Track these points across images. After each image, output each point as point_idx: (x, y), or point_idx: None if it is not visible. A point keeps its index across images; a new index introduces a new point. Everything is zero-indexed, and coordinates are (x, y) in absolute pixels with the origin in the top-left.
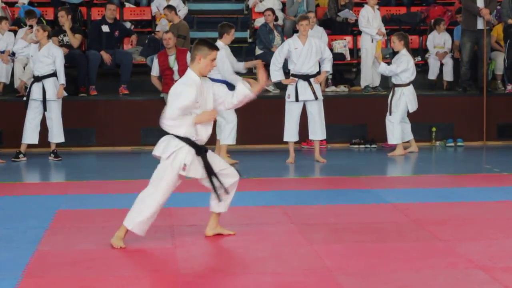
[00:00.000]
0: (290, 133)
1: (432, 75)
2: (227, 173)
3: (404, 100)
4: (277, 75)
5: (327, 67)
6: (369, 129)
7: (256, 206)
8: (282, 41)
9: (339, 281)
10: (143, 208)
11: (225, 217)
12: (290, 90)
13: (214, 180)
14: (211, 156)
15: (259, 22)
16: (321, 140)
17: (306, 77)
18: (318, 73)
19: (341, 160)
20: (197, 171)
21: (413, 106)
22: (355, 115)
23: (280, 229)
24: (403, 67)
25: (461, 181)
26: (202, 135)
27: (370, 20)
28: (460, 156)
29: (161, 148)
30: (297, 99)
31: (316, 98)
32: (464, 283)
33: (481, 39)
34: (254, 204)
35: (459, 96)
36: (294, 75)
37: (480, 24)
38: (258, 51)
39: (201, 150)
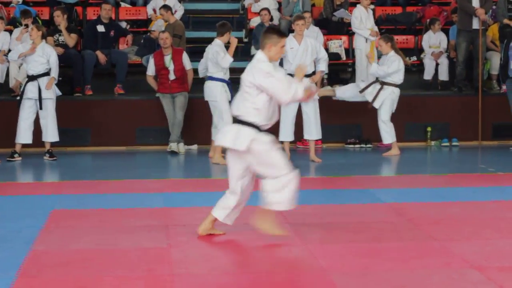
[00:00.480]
0: (286, 133)
1: (428, 75)
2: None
3: (392, 99)
4: None
5: (323, 67)
6: (364, 129)
7: (251, 206)
8: None
9: (334, 281)
10: (283, 189)
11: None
12: None
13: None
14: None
15: (254, 22)
16: (316, 140)
17: None
18: (314, 73)
19: (336, 160)
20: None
21: (394, 108)
22: (350, 115)
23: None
24: (395, 67)
25: (456, 181)
26: (273, 120)
27: (364, 20)
28: (455, 156)
29: (230, 138)
30: None
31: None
32: (459, 283)
33: (477, 39)
34: (249, 203)
35: (455, 96)
36: (290, 75)
37: (476, 24)
38: (254, 51)
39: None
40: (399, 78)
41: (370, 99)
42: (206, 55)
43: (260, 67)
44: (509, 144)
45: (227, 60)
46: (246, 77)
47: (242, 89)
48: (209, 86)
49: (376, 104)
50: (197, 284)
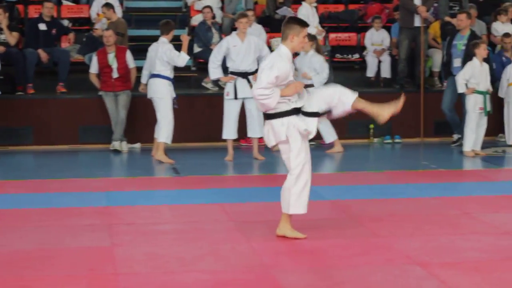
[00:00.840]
0: (229, 131)
1: (370, 72)
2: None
3: None
4: (215, 72)
5: None
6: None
7: (194, 204)
8: (220, 38)
9: (277, 278)
10: (293, 190)
11: (165, 215)
12: (229, 88)
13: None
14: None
15: (197, 19)
16: (260, 138)
17: (244, 75)
18: (257, 70)
19: (279, 157)
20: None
21: None
22: None
23: (218, 227)
24: (325, 67)
25: (399, 177)
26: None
27: (310, 18)
28: (397, 153)
29: (272, 137)
30: (235, 97)
31: None
32: (401, 279)
33: (419, 36)
34: (193, 202)
35: (397, 93)
36: (233, 73)
37: (417, 22)
38: (197, 49)
39: (298, 111)
40: (324, 77)
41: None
42: (152, 54)
43: (267, 60)
44: (451, 141)
45: (184, 58)
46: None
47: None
48: (156, 83)
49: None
50: (140, 283)
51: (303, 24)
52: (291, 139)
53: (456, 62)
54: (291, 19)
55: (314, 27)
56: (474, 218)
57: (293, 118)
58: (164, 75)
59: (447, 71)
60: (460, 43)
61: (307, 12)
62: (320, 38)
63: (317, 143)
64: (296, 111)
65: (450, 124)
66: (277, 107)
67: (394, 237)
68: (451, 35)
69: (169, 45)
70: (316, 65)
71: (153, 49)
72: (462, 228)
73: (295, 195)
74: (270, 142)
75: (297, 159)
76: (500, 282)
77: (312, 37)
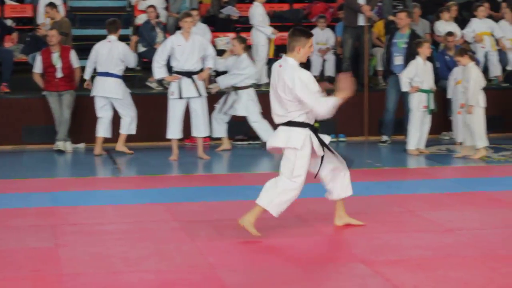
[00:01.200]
0: (174, 130)
1: (315, 71)
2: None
3: (252, 100)
4: (160, 72)
5: (211, 63)
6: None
7: (139, 204)
8: (165, 38)
9: (222, 277)
10: (282, 193)
11: (110, 215)
12: (174, 87)
13: (331, 153)
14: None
15: (141, 19)
16: (205, 137)
17: (189, 74)
18: (202, 70)
19: (224, 156)
20: (319, 149)
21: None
22: None
23: (163, 227)
24: (248, 67)
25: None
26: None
27: (265, 17)
28: (342, 151)
29: (283, 139)
30: (180, 96)
31: (200, 95)
32: (346, 277)
33: (363, 35)
34: (137, 202)
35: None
36: (178, 72)
37: (361, 21)
38: (141, 48)
39: (316, 130)
40: (251, 80)
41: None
42: (103, 52)
43: (299, 77)
44: (394, 140)
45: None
46: (282, 84)
47: (281, 98)
48: (111, 83)
49: (242, 113)
50: (85, 284)
51: (308, 35)
52: (303, 149)
53: (397, 60)
54: (295, 31)
55: (270, 28)
56: (418, 216)
57: (311, 132)
58: (118, 74)
59: (387, 69)
60: (400, 41)
61: (262, 11)
62: (273, 37)
63: (262, 142)
64: (313, 128)
65: (385, 123)
66: (301, 118)
67: (339, 235)
68: (391, 33)
69: (125, 45)
70: (241, 65)
71: (103, 47)
72: (406, 226)
73: (282, 198)
74: (277, 143)
75: (300, 169)
76: (444, 280)
77: (242, 40)
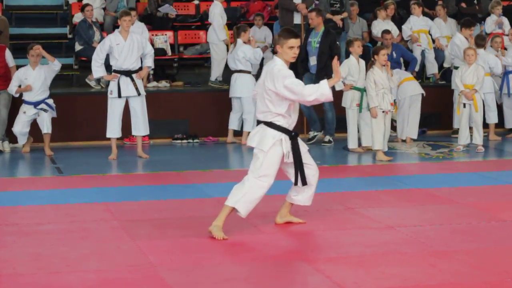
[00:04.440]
0: (113, 129)
1: (253, 69)
2: (310, 165)
3: None
4: (99, 71)
5: (149, 62)
6: (191, 124)
7: (79, 204)
8: (102, 37)
9: (163, 276)
10: (249, 191)
11: (49, 214)
12: (112, 86)
13: (301, 165)
14: (300, 143)
15: (78, 17)
16: (144, 136)
17: (128, 73)
18: (140, 68)
19: (164, 155)
20: (287, 156)
21: None
22: (177, 110)
23: (103, 226)
24: None
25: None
26: (294, 119)
27: (223, 16)
28: None
29: (257, 139)
30: (119, 95)
31: (139, 94)
32: (287, 275)
33: (300, 33)
34: (77, 201)
35: None
36: (116, 71)
37: (297, 19)
38: (78, 47)
39: (293, 135)
40: None
41: None
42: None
43: (276, 72)
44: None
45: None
46: (266, 84)
47: (263, 95)
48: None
49: None
50: (24, 284)
51: (287, 35)
52: (272, 151)
53: (312, 60)
54: (280, 31)
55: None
56: (357, 213)
57: (284, 137)
58: None
59: (305, 68)
60: (314, 40)
61: (221, 10)
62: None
63: (201, 141)
64: (290, 133)
65: (308, 120)
66: (277, 119)
67: (279, 233)
68: (307, 33)
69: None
70: None
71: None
72: (346, 223)
73: (248, 197)
74: (251, 142)
75: (267, 169)
76: (384, 276)
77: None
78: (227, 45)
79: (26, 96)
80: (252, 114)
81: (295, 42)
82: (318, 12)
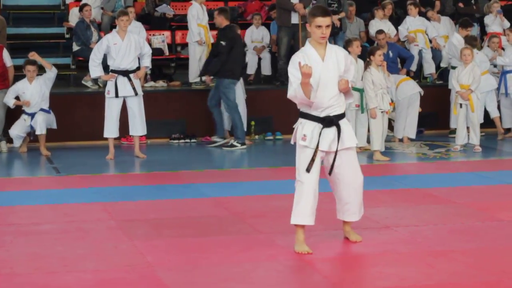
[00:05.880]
0: (110, 129)
1: (250, 69)
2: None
3: None
4: (96, 71)
5: (147, 62)
6: (188, 124)
7: (76, 204)
8: (99, 37)
9: (161, 276)
10: (298, 199)
11: (47, 215)
12: (110, 86)
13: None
14: (344, 130)
15: (73, 17)
16: (141, 136)
17: (125, 73)
18: (138, 68)
19: (161, 155)
20: (324, 141)
21: None
22: (174, 110)
23: (100, 226)
24: None
25: (280, 173)
26: (320, 103)
27: (200, 16)
28: (279, 149)
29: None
30: (116, 95)
31: (136, 94)
32: (284, 275)
33: (297, 33)
34: (74, 201)
35: (277, 89)
36: (114, 71)
37: (295, 19)
38: (76, 47)
39: (324, 121)
40: None
41: None
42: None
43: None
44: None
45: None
46: None
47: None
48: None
49: None
50: (22, 284)
51: (313, 14)
52: (296, 143)
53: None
54: (310, 8)
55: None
56: None
57: (309, 123)
58: None
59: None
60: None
61: (197, 11)
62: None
63: (198, 140)
64: (320, 119)
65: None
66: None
67: (277, 233)
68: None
69: None
70: None
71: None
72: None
73: (294, 204)
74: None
75: (297, 166)
76: (381, 276)
77: None
78: (209, 46)
79: (26, 108)
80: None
81: (322, 21)
82: (220, 12)
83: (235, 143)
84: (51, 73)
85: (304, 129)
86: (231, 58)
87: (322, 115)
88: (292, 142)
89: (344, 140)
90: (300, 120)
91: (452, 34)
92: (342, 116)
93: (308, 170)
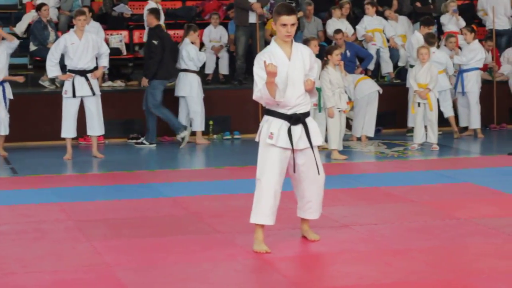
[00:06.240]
0: (68, 129)
1: (208, 69)
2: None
3: None
4: (53, 70)
5: (104, 62)
6: (146, 124)
7: (34, 204)
8: (57, 37)
9: (119, 276)
10: (259, 198)
11: (4, 215)
12: (67, 86)
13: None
14: (311, 128)
15: (29, 17)
16: (99, 136)
17: (83, 73)
18: (95, 68)
19: (119, 155)
20: (287, 140)
21: None
22: (132, 110)
23: (58, 227)
24: None
25: (238, 173)
26: (288, 101)
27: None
28: (237, 148)
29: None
30: (74, 95)
31: (94, 94)
32: (244, 274)
33: (255, 32)
34: (32, 202)
35: (235, 89)
36: (71, 71)
37: (253, 18)
38: (33, 47)
39: (290, 119)
40: None
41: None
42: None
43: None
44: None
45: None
46: None
47: None
48: None
49: None
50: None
51: (278, 12)
52: (260, 141)
53: None
54: (276, 6)
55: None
56: None
57: (276, 121)
58: None
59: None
60: None
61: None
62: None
63: (157, 140)
64: (287, 117)
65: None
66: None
67: (235, 233)
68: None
69: None
70: None
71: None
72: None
73: (254, 203)
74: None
75: (259, 164)
76: (339, 274)
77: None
78: None
79: None
80: (198, 113)
81: (287, 19)
82: (151, 12)
83: (145, 141)
84: (14, 44)
85: (271, 127)
86: (165, 58)
87: (289, 112)
88: (256, 140)
89: (311, 138)
90: (266, 117)
91: (410, 33)
92: (308, 114)
93: (271, 170)
